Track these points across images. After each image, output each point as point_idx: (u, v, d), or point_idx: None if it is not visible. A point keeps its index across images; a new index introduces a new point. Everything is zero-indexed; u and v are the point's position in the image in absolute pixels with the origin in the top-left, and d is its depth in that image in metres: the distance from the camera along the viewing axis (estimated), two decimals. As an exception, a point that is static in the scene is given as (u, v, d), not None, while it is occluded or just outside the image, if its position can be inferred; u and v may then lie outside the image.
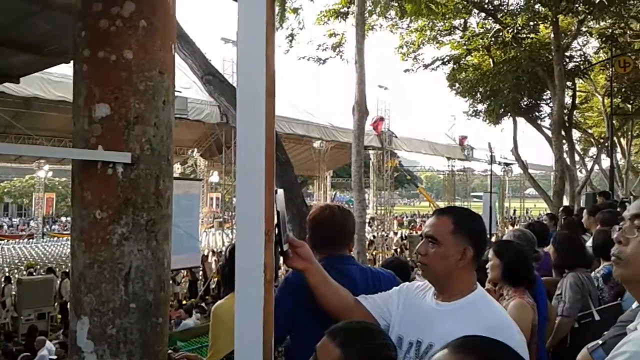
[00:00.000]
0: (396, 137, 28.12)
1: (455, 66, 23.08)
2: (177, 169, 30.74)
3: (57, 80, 14.08)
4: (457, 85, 23.77)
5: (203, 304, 14.84)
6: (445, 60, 22.73)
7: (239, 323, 1.19)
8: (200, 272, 19.33)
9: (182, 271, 18.04)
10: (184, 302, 16.23)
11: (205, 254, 21.08)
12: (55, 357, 10.16)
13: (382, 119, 26.72)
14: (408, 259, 15.04)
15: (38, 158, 28.74)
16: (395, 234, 32.60)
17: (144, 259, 2.10)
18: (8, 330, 13.77)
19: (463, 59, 22.96)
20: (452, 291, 1.89)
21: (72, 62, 3.48)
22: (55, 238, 41.81)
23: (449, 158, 35.79)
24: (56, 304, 15.48)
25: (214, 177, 31.07)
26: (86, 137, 2.10)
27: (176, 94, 2.39)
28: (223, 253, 2.65)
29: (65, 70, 12.79)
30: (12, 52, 2.99)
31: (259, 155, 1.21)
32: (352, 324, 1.69)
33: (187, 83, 16.06)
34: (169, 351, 2.21)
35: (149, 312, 2.08)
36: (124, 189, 2.08)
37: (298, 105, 22.93)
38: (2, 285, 15.44)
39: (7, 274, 18.67)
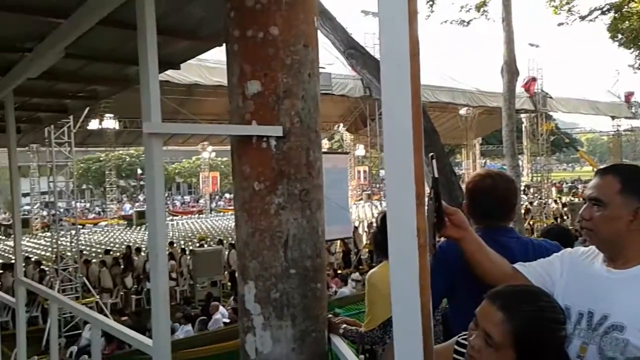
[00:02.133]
0: (551, 97, 25.97)
1: (616, 15, 20.56)
2: (325, 144, 31.61)
3: (213, 66, 15.12)
4: (620, 35, 21.17)
5: (357, 274, 15.23)
6: (605, 9, 20.33)
7: (394, 289, 1.17)
8: (352, 243, 19.84)
9: (336, 242, 18.66)
10: (339, 271, 16.82)
11: (356, 225, 21.56)
12: (228, 320, 11.16)
13: (534, 79, 24.79)
14: (570, 227, 13.95)
15: (202, 140, 31.38)
16: (555, 201, 30.43)
17: (300, 227, 2.18)
18: (186, 296, 15.40)
19: (626, 6, 20.36)
20: (626, 257, 1.68)
21: (222, 45, 3.70)
22: (221, 213, 45.65)
23: (613, 117, 32.27)
24: (226, 272, 16.94)
25: (360, 151, 31.47)
26: (241, 114, 2.22)
27: (320, 70, 2.42)
28: (375, 221, 2.64)
29: (219, 57, 13.72)
30: (171, 39, 3.25)
31: (405, 116, 1.17)
32: (514, 287, 1.60)
33: (330, 59, 16.31)
34: (329, 316, 2.28)
35: (307, 278, 2.17)
36: (278, 161, 2.17)
37: (442, 72, 22.15)
38: (179, 256, 17.24)
39: (182, 246, 20.81)
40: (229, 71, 2.29)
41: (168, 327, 2.24)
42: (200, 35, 3.52)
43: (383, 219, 2.54)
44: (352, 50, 9.83)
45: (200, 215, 44.41)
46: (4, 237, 32.46)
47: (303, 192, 2.20)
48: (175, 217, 40.96)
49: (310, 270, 2.19)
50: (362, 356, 2.16)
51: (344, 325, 2.34)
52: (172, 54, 3.69)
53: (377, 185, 25.75)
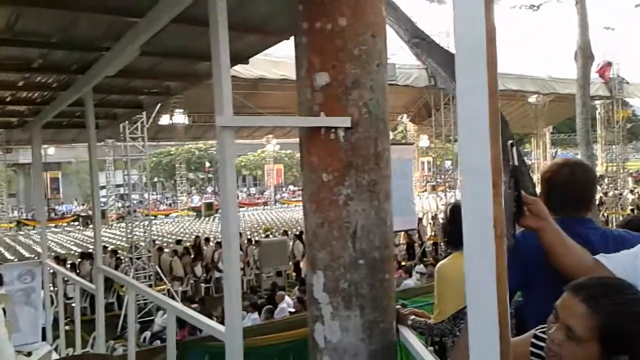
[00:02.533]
0: (627, 83, 24.54)
1: None
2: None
3: (278, 60, 15.32)
4: None
5: (422, 266, 15.06)
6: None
7: (470, 280, 1.15)
8: (416, 235, 19.62)
9: (400, 234, 18.51)
10: (402, 263, 16.69)
11: (420, 217, 21.30)
12: (293, 309, 11.34)
13: (609, 64, 23.48)
14: (651, 219, 13.15)
15: (267, 133, 31.87)
16: (631, 192, 28.81)
17: (368, 217, 2.18)
18: (253, 285, 15.77)
19: None
20: None
21: (291, 38, 3.74)
22: (285, 205, 46.34)
23: (697, 102, 30.09)
24: (290, 262, 17.21)
25: (424, 141, 30.98)
26: (310, 106, 2.25)
27: (385, 60, 2.40)
28: (444, 212, 2.60)
29: (283, 52, 13.87)
30: (240, 34, 3.31)
31: (481, 104, 1.15)
32: (597, 279, 1.54)
33: (393, 49, 16.13)
34: (397, 307, 2.27)
35: (376, 268, 2.17)
36: (346, 152, 2.18)
37: (510, 59, 21.39)
38: (246, 246, 17.67)
39: (248, 237, 21.29)
40: (298, 64, 2.31)
41: (240, 314, 2.30)
42: (268, 29, 3.57)
43: (453, 209, 2.49)
44: (417, 39, 9.64)
45: (265, 207, 45.24)
46: (82, 228, 34.28)
47: (371, 182, 2.20)
48: (241, 209, 41.92)
49: (378, 260, 2.19)
50: (431, 348, 2.14)
51: (413, 317, 2.33)
52: (241, 49, 3.77)
53: (442, 177, 25.27)
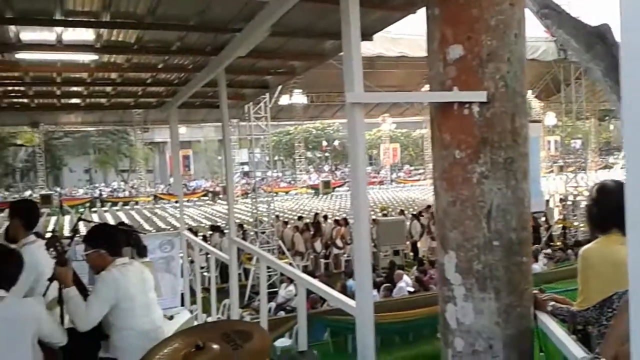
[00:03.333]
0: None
1: None
2: (513, 112, 29.64)
3: (396, 37, 15.08)
4: None
5: (549, 250, 14.24)
6: None
7: (633, 266, 1.04)
8: (543, 218, 18.55)
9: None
10: (527, 247, 15.87)
11: (546, 199, 20.08)
12: (412, 289, 11.29)
13: None
14: None
15: (383, 112, 31.68)
16: None
17: (504, 197, 2.08)
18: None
19: None
20: None
21: (417, 12, 3.63)
22: (401, 184, 45.98)
23: None
24: (407, 242, 17.10)
25: (551, 119, 29.00)
26: (442, 80, 2.17)
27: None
28: (589, 193, 2.40)
29: (402, 29, 13.60)
30: (366, 10, 3.28)
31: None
32: None
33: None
34: (535, 292, 2.16)
35: (512, 250, 2.07)
36: (481, 128, 2.09)
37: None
38: (363, 225, 17.77)
39: (366, 215, 21.37)
40: (429, 37, 2.24)
41: (371, 289, 2.32)
42: (394, 3, 3.51)
43: (601, 190, 2.30)
44: (546, 9, 8.98)
45: (381, 186, 45.19)
46: (211, 202, 36.58)
47: (508, 160, 2.09)
48: (358, 188, 42.17)
49: (515, 242, 2.09)
50: (573, 336, 2.00)
51: (552, 303, 2.19)
52: (367, 25, 3.73)
53: (571, 157, 23.52)
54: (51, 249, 3.07)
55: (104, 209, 33.65)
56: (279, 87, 17.82)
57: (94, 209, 31.93)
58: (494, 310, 2.07)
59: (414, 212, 19.87)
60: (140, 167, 37.85)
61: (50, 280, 3.15)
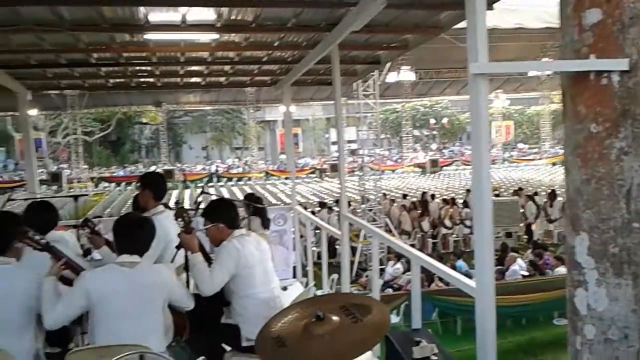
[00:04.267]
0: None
1: None
2: None
3: (512, 8, 14.28)
4: None
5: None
6: None
7: None
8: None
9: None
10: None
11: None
12: (526, 273, 10.80)
13: None
14: None
15: (496, 87, 30.29)
16: None
17: (646, 176, 1.90)
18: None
19: None
20: None
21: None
22: (514, 164, 43.86)
23: None
24: (521, 224, 16.32)
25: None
26: (576, 48, 2.00)
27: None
28: None
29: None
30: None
31: None
32: None
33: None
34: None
35: (658, 234, 1.89)
36: (621, 99, 1.90)
37: None
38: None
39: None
40: (563, 1, 2.07)
41: (492, 270, 2.23)
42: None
43: None
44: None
45: (493, 166, 43.37)
46: (318, 179, 37.27)
47: (655, 135, 1.89)
48: (467, 166, 40.95)
49: (659, 225, 1.90)
50: None
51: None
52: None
53: None
54: (179, 219, 3.27)
55: (219, 184, 35.50)
56: (388, 64, 17.61)
57: (210, 184, 33.77)
58: (631, 297, 1.90)
59: (529, 194, 18.90)
60: (252, 145, 39.40)
61: (178, 248, 3.37)
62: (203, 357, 2.37)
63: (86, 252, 4.31)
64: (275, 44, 5.12)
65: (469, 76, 2.19)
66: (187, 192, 26.51)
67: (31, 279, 2.83)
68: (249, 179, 37.46)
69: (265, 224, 5.44)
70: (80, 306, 2.79)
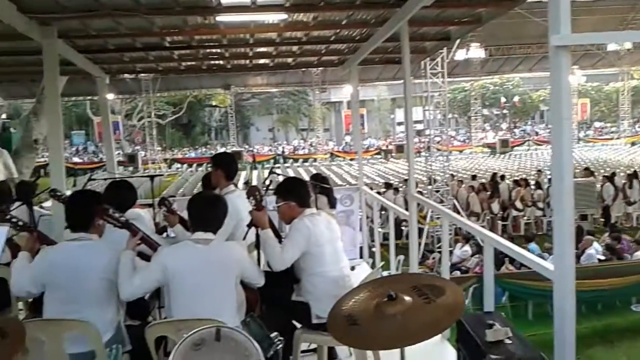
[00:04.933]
0: None
1: None
2: None
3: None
4: None
5: None
6: None
7: None
8: None
9: None
10: None
11: None
12: (602, 257, 10.31)
13: None
14: None
15: (573, 63, 28.77)
16: None
17: None
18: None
19: None
20: None
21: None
22: (590, 143, 41.69)
23: None
24: (598, 207, 15.56)
25: None
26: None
27: None
28: None
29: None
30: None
31: None
32: None
33: None
34: None
35: None
36: None
37: None
38: (547, 186, 16.55)
39: (548, 176, 19.90)
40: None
41: (573, 253, 2.13)
42: None
43: None
44: None
45: (568, 145, 41.28)
46: (384, 160, 36.98)
47: None
48: (539, 147, 39.36)
49: None
50: None
51: None
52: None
53: None
54: (251, 197, 3.33)
55: (285, 165, 35.97)
56: (457, 41, 17.09)
57: (277, 165, 34.30)
58: None
59: (606, 174, 17.93)
60: (317, 126, 39.51)
61: (249, 226, 3.44)
62: (277, 333, 2.41)
63: (162, 230, 4.48)
64: (343, 22, 5.07)
65: (550, 49, 2.07)
66: (255, 173, 27.03)
67: (112, 254, 2.97)
68: (314, 160, 37.70)
69: (332, 203, 5.46)
70: (156, 280, 2.92)
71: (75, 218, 3.05)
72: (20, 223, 3.26)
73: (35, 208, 4.56)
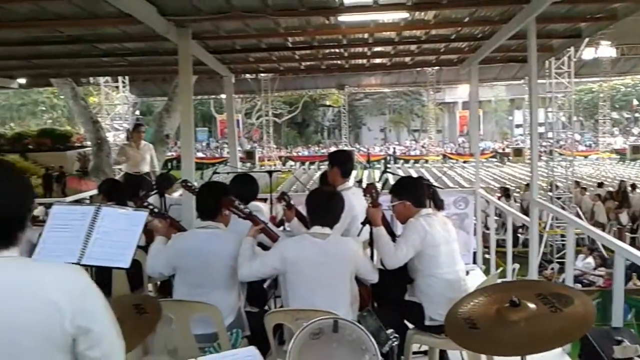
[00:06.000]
0: None
1: None
2: None
3: None
4: None
5: None
6: None
7: None
8: None
9: None
10: None
11: None
12: None
13: None
14: None
15: None
16: None
17: None
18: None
19: None
20: None
21: None
22: None
23: None
24: None
25: None
26: None
27: None
28: None
29: None
30: None
31: None
32: None
33: None
34: None
35: None
36: None
37: None
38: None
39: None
40: None
41: None
42: None
43: None
44: None
45: None
46: (499, 164, 35.50)
47: None
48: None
49: None
50: None
51: None
52: None
53: None
54: (367, 195, 3.37)
55: (396, 165, 35.75)
56: (586, 40, 15.98)
57: (387, 166, 34.13)
58: None
59: None
60: (430, 127, 38.81)
61: (363, 224, 3.47)
62: (392, 330, 2.41)
63: (279, 224, 4.66)
64: (466, 19, 4.94)
65: None
66: (366, 173, 27.16)
67: (236, 243, 3.14)
68: (426, 161, 37.09)
69: (437, 205, 5.33)
70: (273, 267, 3.04)
71: (205, 207, 3.27)
72: (156, 210, 3.56)
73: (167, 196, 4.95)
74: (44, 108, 44.27)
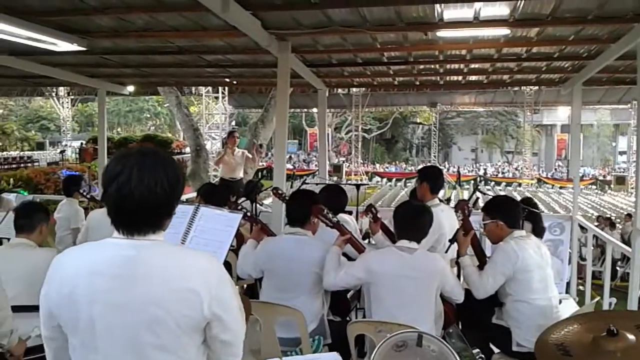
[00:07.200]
0: None
1: None
2: None
3: None
4: None
5: None
6: None
7: None
8: None
9: None
10: None
11: None
12: None
13: None
14: None
15: None
16: None
17: None
18: None
19: None
20: None
21: None
22: None
23: None
24: None
25: None
26: None
27: None
28: None
29: None
30: None
31: None
32: None
33: None
34: None
35: None
36: None
37: None
38: None
39: None
40: None
41: None
42: None
43: None
44: None
45: None
46: (599, 192, 33.37)
47: None
48: None
49: None
50: None
51: None
52: None
53: None
54: (459, 212, 3.31)
55: (486, 187, 34.54)
56: None
57: (478, 185, 33.00)
58: None
59: None
60: (526, 149, 37.25)
61: (451, 241, 3.41)
62: (478, 350, 2.35)
63: (364, 236, 4.68)
64: (571, 38, 4.73)
65: None
66: (453, 192, 26.52)
67: (323, 251, 3.20)
68: (519, 184, 35.53)
69: (538, 232, 5.09)
70: (358, 278, 3.06)
71: (295, 213, 3.36)
72: (249, 214, 3.71)
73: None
74: (148, 115, 47.29)
